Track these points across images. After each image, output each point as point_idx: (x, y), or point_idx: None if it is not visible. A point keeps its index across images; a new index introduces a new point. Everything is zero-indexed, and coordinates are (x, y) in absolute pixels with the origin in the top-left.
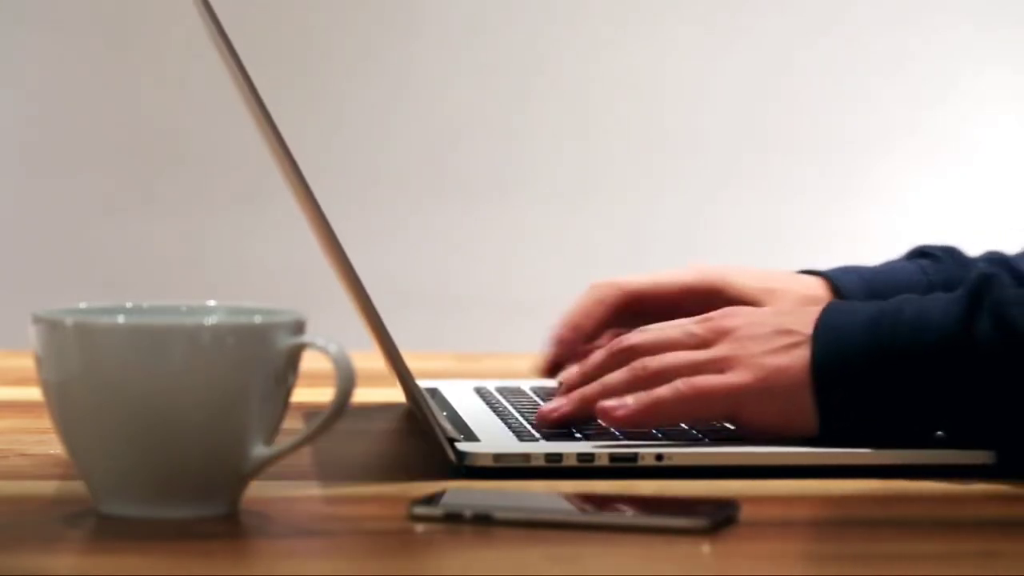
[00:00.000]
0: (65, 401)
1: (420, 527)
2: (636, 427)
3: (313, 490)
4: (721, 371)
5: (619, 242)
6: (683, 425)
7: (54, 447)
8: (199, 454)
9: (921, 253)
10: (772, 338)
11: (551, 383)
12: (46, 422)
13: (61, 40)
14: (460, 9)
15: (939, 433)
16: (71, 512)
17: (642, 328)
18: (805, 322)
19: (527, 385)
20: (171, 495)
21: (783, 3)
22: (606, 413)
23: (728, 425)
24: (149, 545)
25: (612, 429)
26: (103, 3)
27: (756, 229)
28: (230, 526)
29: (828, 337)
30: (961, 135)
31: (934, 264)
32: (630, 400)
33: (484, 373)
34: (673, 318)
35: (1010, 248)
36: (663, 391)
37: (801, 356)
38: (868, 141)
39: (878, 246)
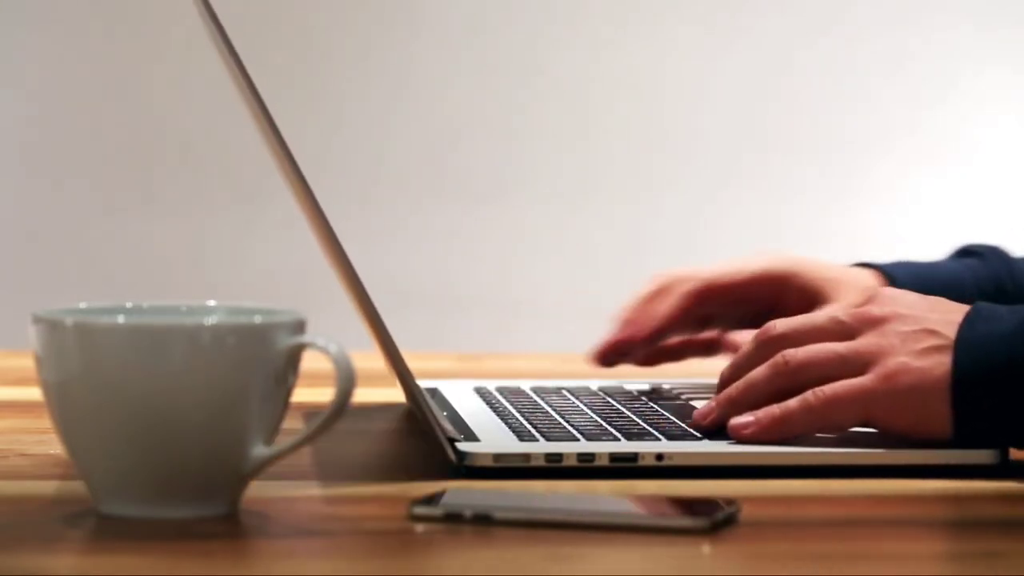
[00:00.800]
0: (65, 401)
1: (420, 527)
2: (768, 440)
3: (313, 490)
4: (860, 368)
5: (619, 242)
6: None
7: (54, 447)
8: (199, 454)
9: (965, 252)
10: (917, 337)
11: (551, 383)
12: (46, 422)
13: (61, 40)
14: (460, 9)
15: None
16: (71, 512)
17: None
18: (950, 323)
19: (527, 385)
20: (171, 495)
21: (783, 3)
22: (736, 431)
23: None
24: (149, 545)
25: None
26: (103, 3)
27: (756, 229)
28: (230, 526)
29: (970, 345)
30: (961, 135)
31: (981, 263)
32: (759, 416)
33: (484, 373)
34: (744, 307)
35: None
36: (792, 405)
37: (942, 363)
38: (868, 141)
39: (879, 246)
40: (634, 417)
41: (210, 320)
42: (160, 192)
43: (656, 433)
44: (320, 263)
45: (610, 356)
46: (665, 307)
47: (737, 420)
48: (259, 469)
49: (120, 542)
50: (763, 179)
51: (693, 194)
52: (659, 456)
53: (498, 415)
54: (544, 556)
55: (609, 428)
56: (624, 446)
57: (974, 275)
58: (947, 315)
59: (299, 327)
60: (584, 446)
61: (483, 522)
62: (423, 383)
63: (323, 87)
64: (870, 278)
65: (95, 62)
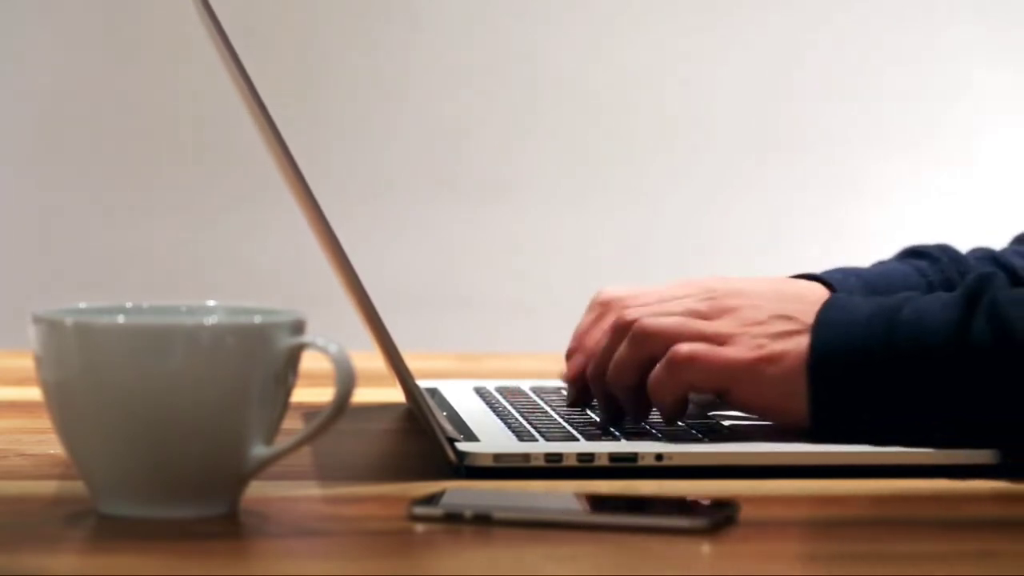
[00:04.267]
0: (65, 401)
1: (420, 527)
2: (640, 406)
3: (313, 490)
4: (720, 342)
5: (620, 242)
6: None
7: (54, 447)
8: (199, 454)
9: (914, 253)
10: (773, 322)
11: (551, 383)
12: (46, 422)
13: (61, 40)
14: (461, 8)
15: (937, 435)
16: (71, 512)
17: (642, 302)
18: (806, 311)
19: (527, 385)
20: (171, 495)
21: (788, 2)
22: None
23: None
24: (149, 545)
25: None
26: (103, 3)
27: (758, 230)
28: (230, 526)
29: (827, 330)
30: (969, 135)
31: (931, 264)
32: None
33: (484, 373)
34: None
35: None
36: (658, 367)
37: (798, 344)
38: (871, 142)
39: (882, 246)
40: None
41: (210, 320)
42: (160, 192)
43: (656, 433)
44: (320, 263)
45: (583, 402)
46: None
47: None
48: (259, 469)
49: (120, 542)
50: (765, 179)
51: (695, 194)
52: (659, 456)
53: (498, 415)
54: (544, 556)
55: (609, 428)
56: (624, 446)
57: (925, 277)
58: (804, 304)
59: (299, 327)
60: (584, 446)
61: (483, 522)
62: (423, 383)
63: (323, 87)
64: (814, 290)
65: (95, 62)
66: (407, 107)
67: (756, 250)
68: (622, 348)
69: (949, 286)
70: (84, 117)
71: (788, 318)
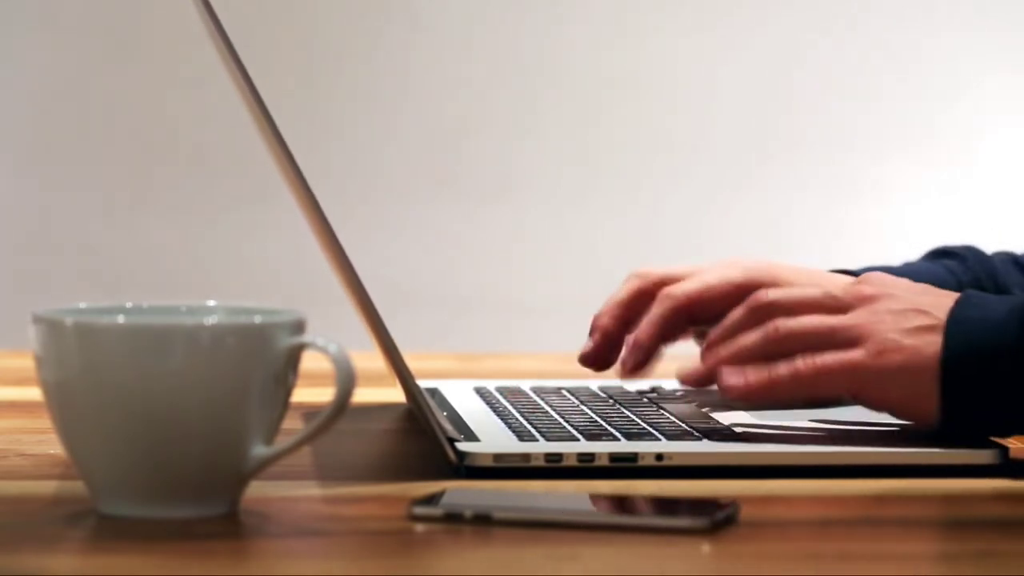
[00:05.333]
0: (65, 401)
1: (420, 527)
2: (753, 402)
3: (313, 490)
4: (851, 342)
5: (621, 242)
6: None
7: (54, 447)
8: (199, 454)
9: (943, 253)
10: (908, 316)
11: (551, 383)
12: (46, 422)
13: (61, 40)
14: (461, 8)
15: None
16: (71, 512)
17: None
18: (941, 306)
19: (527, 385)
20: (171, 495)
21: (790, 2)
22: (725, 386)
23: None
24: (149, 545)
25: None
26: (103, 3)
27: (759, 230)
28: (230, 526)
29: (962, 328)
30: (969, 136)
31: (960, 264)
32: (750, 376)
33: (484, 373)
34: (720, 317)
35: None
36: (781, 370)
37: (933, 342)
38: (874, 141)
39: (883, 246)
40: (634, 417)
41: (210, 320)
42: (160, 192)
43: (656, 433)
44: (320, 263)
45: (600, 364)
46: (647, 327)
47: (728, 377)
48: (259, 469)
49: (120, 542)
50: (766, 179)
51: (695, 194)
52: (659, 456)
53: (498, 415)
54: (544, 556)
55: (609, 428)
56: (624, 446)
57: (955, 277)
58: (938, 298)
59: (299, 327)
60: (584, 446)
61: (483, 522)
62: (423, 383)
63: (323, 87)
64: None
65: (95, 62)
66: (407, 107)
67: (756, 250)
68: (753, 336)
69: (977, 286)
70: (84, 117)
71: (923, 312)
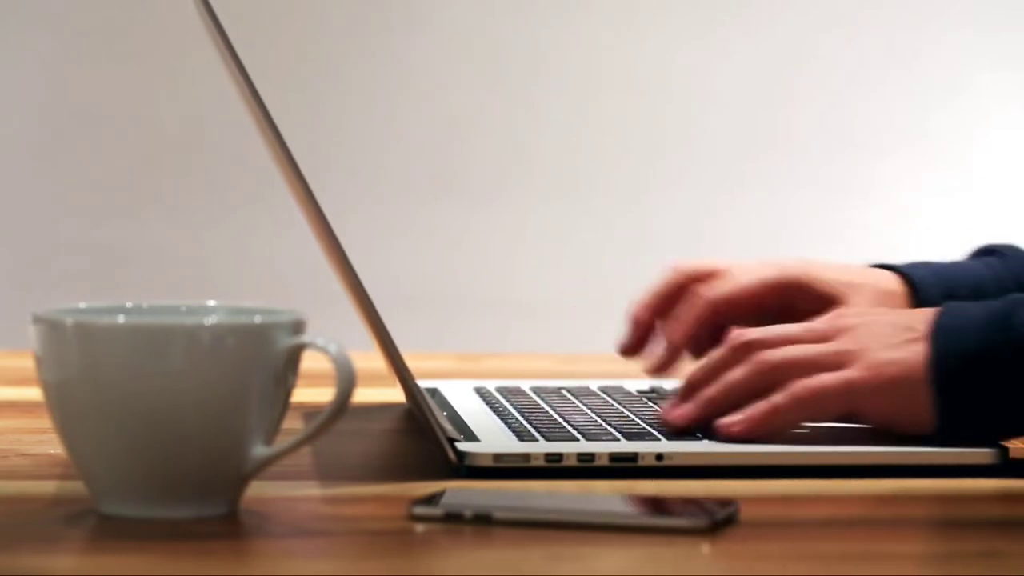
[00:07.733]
0: (65, 401)
1: (420, 527)
2: (755, 436)
3: (313, 490)
4: (838, 366)
5: (621, 243)
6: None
7: (54, 447)
8: (199, 454)
9: (987, 251)
10: (892, 333)
11: (551, 383)
12: (46, 422)
13: (62, 40)
14: (462, 7)
15: None
16: (71, 512)
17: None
18: (924, 319)
19: (527, 385)
20: (171, 495)
21: (789, 2)
22: (724, 429)
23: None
24: (149, 545)
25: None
26: (104, 3)
27: (759, 230)
28: (230, 526)
29: (946, 335)
30: (968, 136)
31: (1001, 261)
32: (747, 412)
33: (484, 373)
34: (757, 315)
35: None
36: (779, 398)
37: (918, 351)
38: (874, 141)
39: (884, 246)
40: (634, 417)
41: (210, 320)
42: (160, 192)
43: (656, 433)
44: (320, 263)
45: (633, 352)
46: (677, 326)
47: (724, 420)
48: (259, 469)
49: (120, 542)
50: (766, 180)
51: (695, 195)
52: (659, 456)
53: (498, 415)
54: (544, 556)
55: (609, 428)
56: (624, 446)
57: (995, 274)
58: (919, 314)
59: (299, 327)
60: (584, 446)
61: (483, 522)
62: (423, 383)
63: (323, 87)
64: (890, 280)
65: (96, 62)
66: (407, 107)
67: (756, 250)
68: (740, 372)
69: (1018, 284)
70: (85, 117)
71: (907, 327)
